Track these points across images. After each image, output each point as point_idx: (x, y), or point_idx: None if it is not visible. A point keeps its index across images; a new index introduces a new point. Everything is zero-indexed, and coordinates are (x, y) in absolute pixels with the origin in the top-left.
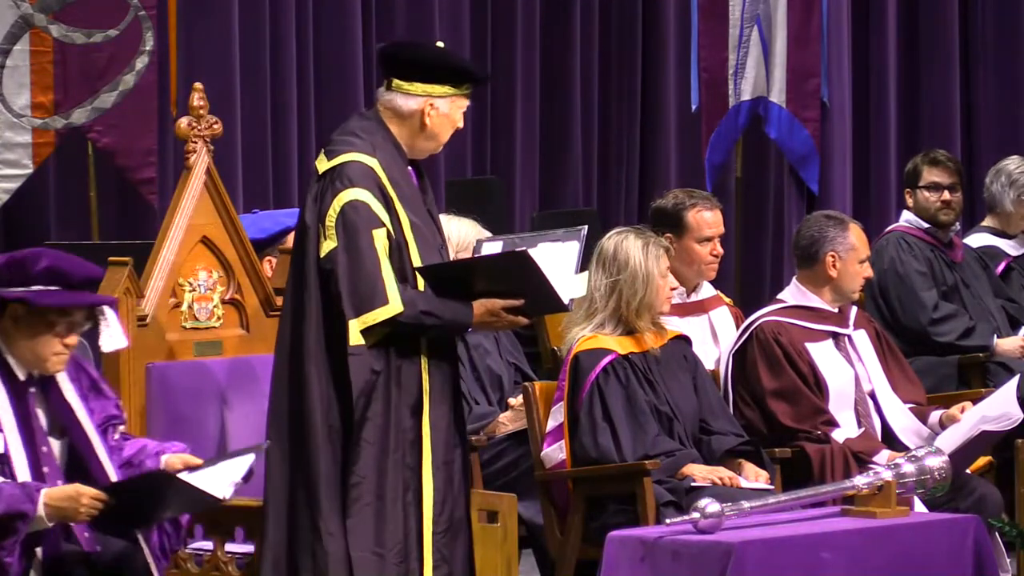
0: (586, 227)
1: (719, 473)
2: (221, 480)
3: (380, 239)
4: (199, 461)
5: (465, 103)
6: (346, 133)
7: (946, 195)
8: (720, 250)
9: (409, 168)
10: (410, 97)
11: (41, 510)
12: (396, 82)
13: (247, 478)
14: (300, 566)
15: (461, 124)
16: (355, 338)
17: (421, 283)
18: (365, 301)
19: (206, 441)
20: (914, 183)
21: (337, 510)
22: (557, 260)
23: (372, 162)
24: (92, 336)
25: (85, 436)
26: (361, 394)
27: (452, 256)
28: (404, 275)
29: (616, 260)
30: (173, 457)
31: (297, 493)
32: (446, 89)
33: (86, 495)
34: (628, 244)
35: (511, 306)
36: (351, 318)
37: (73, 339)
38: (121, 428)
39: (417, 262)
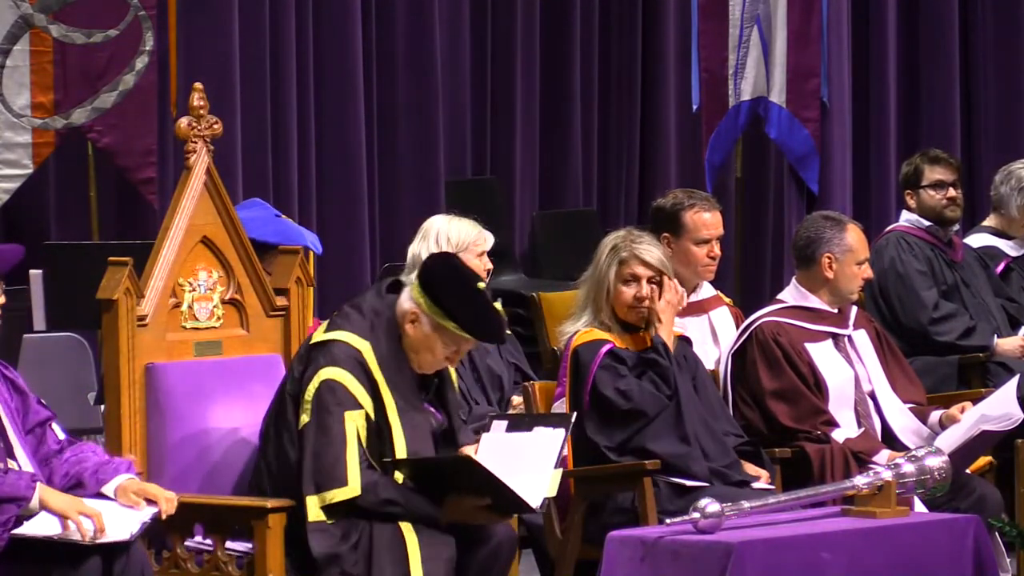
0: (575, 414)
1: None
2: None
3: (353, 420)
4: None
5: (448, 342)
6: (354, 307)
7: (951, 192)
8: (718, 252)
9: None
10: (411, 300)
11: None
12: (416, 287)
13: (146, 525)
14: None
15: (445, 361)
16: (314, 514)
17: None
18: (326, 480)
19: (206, 441)
20: (916, 183)
21: None
22: (541, 451)
23: (363, 344)
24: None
25: (6, 436)
26: (325, 560)
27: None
28: (383, 457)
29: (594, 256)
30: (131, 483)
31: None
32: (439, 315)
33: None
34: (604, 242)
35: (482, 504)
36: (310, 494)
37: None
38: (57, 427)
39: (401, 445)
